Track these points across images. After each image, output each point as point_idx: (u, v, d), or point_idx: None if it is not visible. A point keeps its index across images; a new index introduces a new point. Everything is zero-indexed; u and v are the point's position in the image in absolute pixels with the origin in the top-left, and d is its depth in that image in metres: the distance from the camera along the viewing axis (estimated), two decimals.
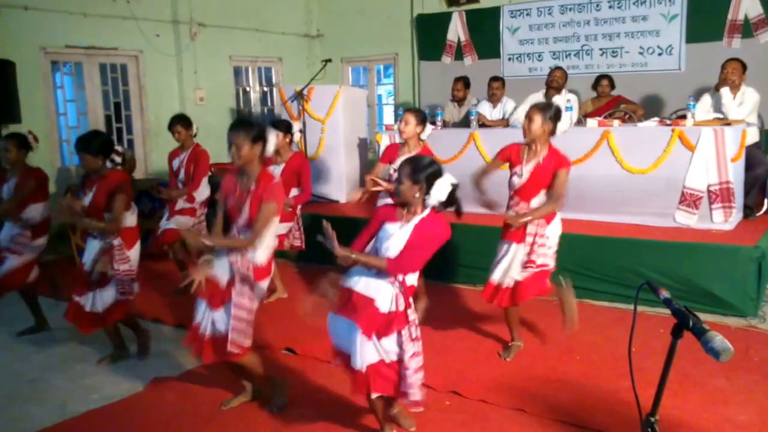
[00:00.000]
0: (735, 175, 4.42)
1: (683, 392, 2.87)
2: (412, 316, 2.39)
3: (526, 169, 3.18)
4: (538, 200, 3.20)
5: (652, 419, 1.40)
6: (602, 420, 2.67)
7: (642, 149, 4.57)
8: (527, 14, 7.18)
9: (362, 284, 2.40)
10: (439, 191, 2.35)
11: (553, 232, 3.21)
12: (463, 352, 3.51)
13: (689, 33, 6.29)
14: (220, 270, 2.68)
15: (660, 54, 6.49)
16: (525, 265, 3.18)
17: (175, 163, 4.70)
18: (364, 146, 6.71)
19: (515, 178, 3.25)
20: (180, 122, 4.59)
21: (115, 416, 2.92)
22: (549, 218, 3.20)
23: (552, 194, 3.14)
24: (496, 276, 3.26)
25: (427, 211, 2.39)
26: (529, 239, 3.18)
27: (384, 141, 5.74)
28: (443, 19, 7.71)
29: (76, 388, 3.25)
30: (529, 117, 3.14)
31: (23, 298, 4.05)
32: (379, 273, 2.35)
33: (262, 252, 2.68)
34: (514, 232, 3.19)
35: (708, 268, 3.93)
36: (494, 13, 7.35)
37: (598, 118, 5.10)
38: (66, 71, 6.96)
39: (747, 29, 6.05)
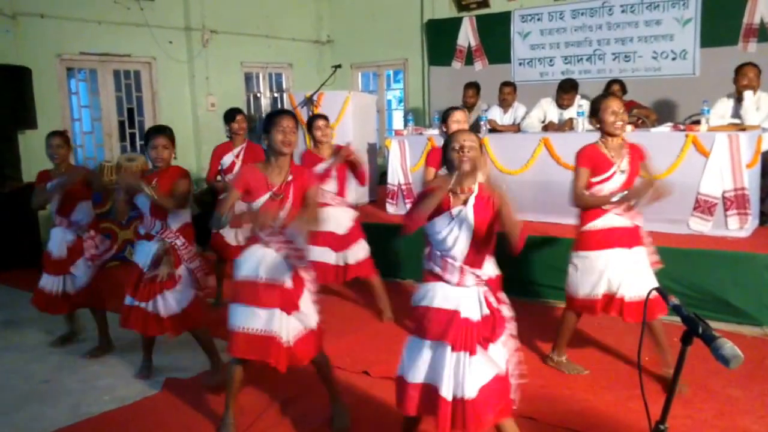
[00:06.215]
0: (750, 181, 4.34)
1: (697, 402, 2.80)
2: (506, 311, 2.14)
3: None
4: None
5: (662, 427, 1.37)
6: (612, 429, 2.63)
7: (655, 155, 4.47)
8: (538, 19, 7.16)
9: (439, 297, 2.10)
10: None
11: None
12: None
13: (704, 37, 6.23)
14: (281, 274, 2.46)
15: (674, 58, 6.43)
16: None
17: (229, 158, 4.61)
18: (374, 152, 6.72)
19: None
20: (242, 113, 4.74)
21: (128, 418, 2.93)
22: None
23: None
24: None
25: (477, 187, 2.08)
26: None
27: (394, 147, 5.74)
28: (453, 24, 7.71)
29: (88, 389, 3.27)
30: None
31: (93, 313, 3.83)
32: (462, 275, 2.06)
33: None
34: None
35: (723, 276, 3.86)
36: (505, 17, 7.34)
37: None
38: (81, 78, 7.09)
39: (763, 33, 5.97)
